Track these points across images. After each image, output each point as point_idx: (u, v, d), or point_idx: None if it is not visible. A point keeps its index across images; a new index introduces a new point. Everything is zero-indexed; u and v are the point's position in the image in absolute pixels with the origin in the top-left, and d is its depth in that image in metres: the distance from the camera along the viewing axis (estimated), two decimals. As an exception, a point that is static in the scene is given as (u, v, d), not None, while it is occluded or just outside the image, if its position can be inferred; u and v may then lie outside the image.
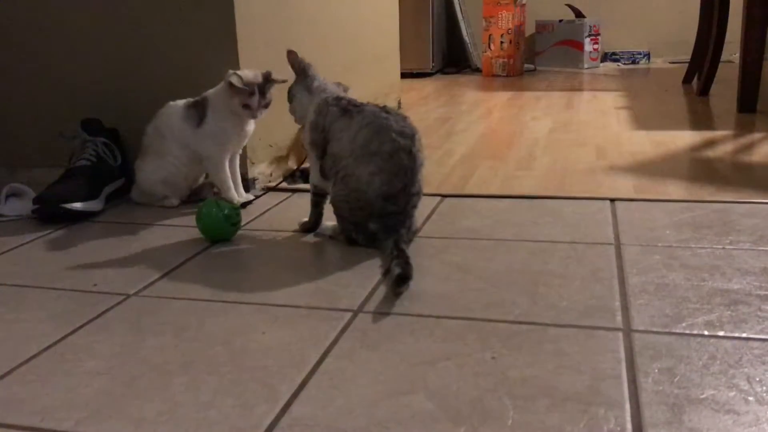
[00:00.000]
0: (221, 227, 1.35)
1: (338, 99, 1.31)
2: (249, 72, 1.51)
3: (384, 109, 1.28)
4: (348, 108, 1.28)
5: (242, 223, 1.39)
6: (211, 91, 1.56)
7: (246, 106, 1.50)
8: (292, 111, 1.39)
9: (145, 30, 1.72)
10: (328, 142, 1.28)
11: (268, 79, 1.51)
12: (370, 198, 1.23)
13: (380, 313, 1.01)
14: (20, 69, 1.83)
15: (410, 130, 1.26)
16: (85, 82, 1.79)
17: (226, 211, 1.34)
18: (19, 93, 1.85)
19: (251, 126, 1.58)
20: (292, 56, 1.38)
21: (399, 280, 1.09)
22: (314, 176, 1.35)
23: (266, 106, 1.52)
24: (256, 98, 1.49)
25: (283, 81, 1.50)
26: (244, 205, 1.57)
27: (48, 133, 1.79)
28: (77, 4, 1.74)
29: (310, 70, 1.38)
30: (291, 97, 1.39)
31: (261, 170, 1.77)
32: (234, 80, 1.47)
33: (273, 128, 1.79)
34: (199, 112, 1.56)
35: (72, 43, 1.77)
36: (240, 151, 1.63)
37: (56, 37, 1.78)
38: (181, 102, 1.59)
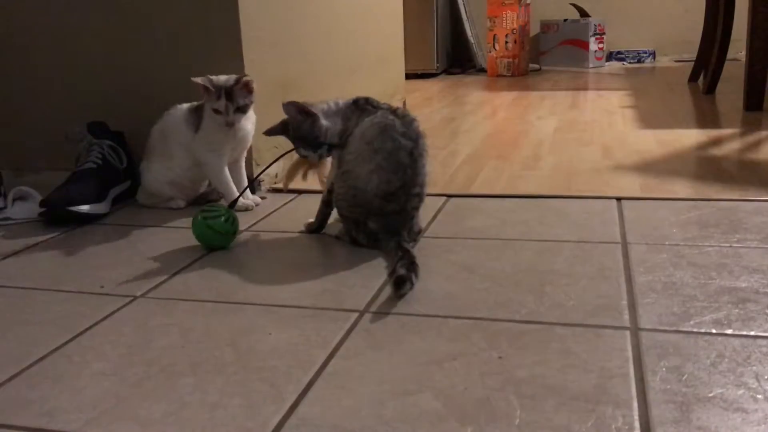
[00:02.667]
0: (212, 237, 1.31)
1: (356, 102, 1.33)
2: (223, 77, 1.50)
3: (395, 111, 1.29)
4: (366, 108, 1.30)
5: (250, 224, 1.39)
6: None
7: (216, 111, 1.48)
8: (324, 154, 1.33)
9: (150, 33, 1.72)
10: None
11: (238, 81, 1.48)
12: (368, 196, 1.24)
13: (386, 314, 1.01)
14: (26, 72, 1.84)
15: (414, 134, 1.26)
16: (91, 85, 1.79)
17: (209, 221, 1.30)
18: (25, 96, 1.86)
19: (246, 131, 1.56)
20: (292, 106, 1.30)
21: (398, 282, 1.08)
22: (333, 173, 1.35)
23: (240, 110, 1.49)
24: (223, 102, 1.47)
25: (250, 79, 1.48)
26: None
27: (54, 136, 1.80)
28: (82, 7, 1.75)
29: (314, 108, 1.32)
30: (319, 133, 1.30)
31: (267, 171, 1.77)
32: (198, 78, 1.46)
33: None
34: (197, 117, 1.55)
35: (77, 45, 1.78)
36: (245, 155, 1.63)
37: (62, 40, 1.79)
38: (186, 105, 1.59)
